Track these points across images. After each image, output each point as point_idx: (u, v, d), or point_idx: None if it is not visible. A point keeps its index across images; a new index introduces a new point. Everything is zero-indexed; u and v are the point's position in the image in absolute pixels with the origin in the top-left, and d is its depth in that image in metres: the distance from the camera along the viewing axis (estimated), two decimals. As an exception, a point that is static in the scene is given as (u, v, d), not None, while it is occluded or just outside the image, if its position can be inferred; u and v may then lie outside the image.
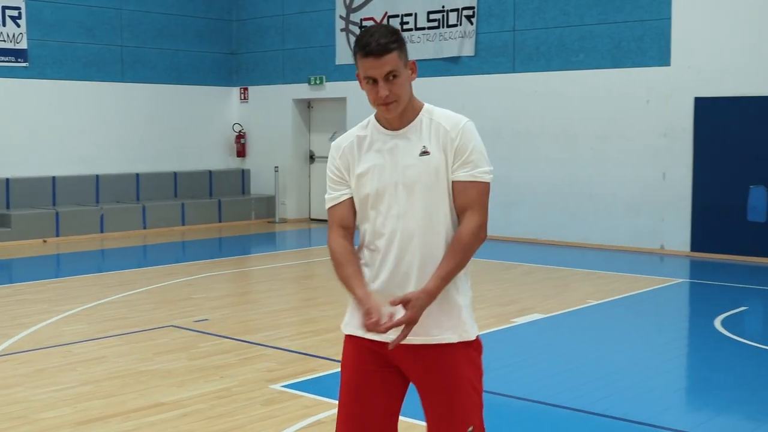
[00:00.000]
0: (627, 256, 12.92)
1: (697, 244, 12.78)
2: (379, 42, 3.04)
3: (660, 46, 12.95)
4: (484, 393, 3.24)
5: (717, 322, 8.35)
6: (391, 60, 3.05)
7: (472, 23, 14.71)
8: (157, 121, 17.07)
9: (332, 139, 16.76)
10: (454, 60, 15.06)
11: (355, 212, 3.24)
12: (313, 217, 17.96)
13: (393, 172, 3.15)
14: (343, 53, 16.34)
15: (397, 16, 15.62)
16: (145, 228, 15.93)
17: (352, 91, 16.06)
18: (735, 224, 12.43)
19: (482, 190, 3.13)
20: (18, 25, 15.19)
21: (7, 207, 14.96)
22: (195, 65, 17.74)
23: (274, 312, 9.08)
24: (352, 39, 15.60)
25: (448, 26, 15.00)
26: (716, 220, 12.60)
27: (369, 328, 2.97)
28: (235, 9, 18.36)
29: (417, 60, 13.53)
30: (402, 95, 3.10)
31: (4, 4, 14.95)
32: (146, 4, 16.91)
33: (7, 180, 15.00)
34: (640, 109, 13.18)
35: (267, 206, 17.83)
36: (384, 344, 3.10)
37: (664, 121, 12.97)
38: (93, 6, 16.16)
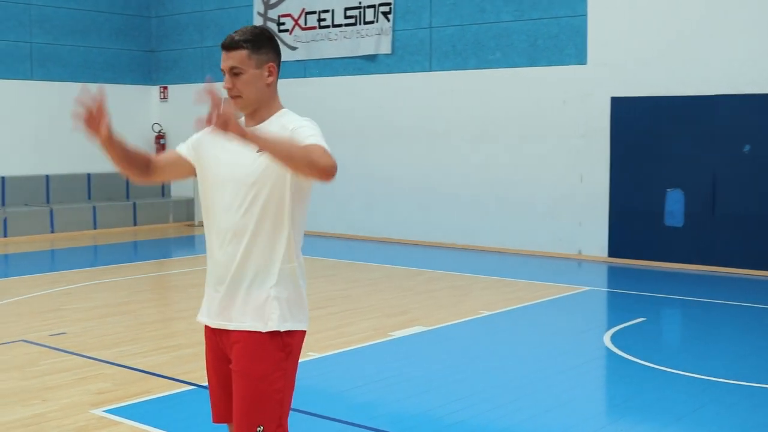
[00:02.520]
0: (544, 262, 12.48)
1: (614, 250, 12.36)
2: (233, 38, 3.21)
3: (576, 44, 12.52)
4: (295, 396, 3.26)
5: (607, 336, 7.90)
6: (236, 56, 3.18)
7: (389, 20, 14.31)
8: (70, 121, 16.33)
9: None
10: (371, 58, 14.65)
11: (177, 163, 3.40)
12: None
13: (234, 167, 3.22)
14: None
15: (314, 12, 15.20)
16: (53, 232, 15.33)
17: None
18: (653, 229, 12.01)
19: (322, 149, 3.04)
20: None
21: None
22: (111, 63, 17.13)
23: (140, 325, 8.51)
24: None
25: (365, 23, 14.60)
26: (634, 224, 12.19)
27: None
28: (153, 5, 17.76)
29: (334, 58, 13.34)
30: (246, 93, 3.20)
31: None
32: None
33: None
34: (557, 109, 12.76)
35: (186, 209, 17.28)
36: (218, 332, 3.28)
37: (582, 121, 12.56)
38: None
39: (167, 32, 17.57)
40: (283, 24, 15.57)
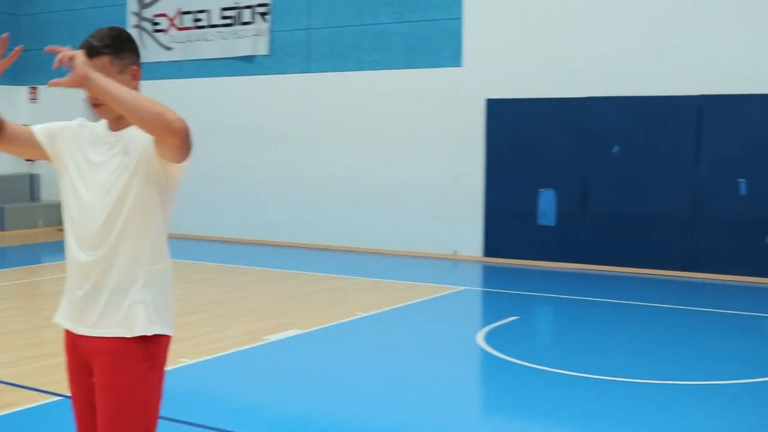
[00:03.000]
0: (421, 262, 12.59)
1: (489, 249, 12.56)
2: (92, 44, 3.05)
3: (451, 47, 12.67)
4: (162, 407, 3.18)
5: (480, 334, 8.01)
6: (98, 64, 3.02)
7: (266, 21, 14.18)
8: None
9: None
10: (248, 59, 14.51)
11: (28, 140, 3.20)
12: None
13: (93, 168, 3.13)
14: None
15: (190, 12, 14.96)
16: None
17: (144, 91, 14.89)
18: (526, 229, 12.26)
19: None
20: None
21: None
22: None
23: (9, 333, 8.21)
24: (146, 36, 15.06)
25: (242, 24, 14.44)
26: (508, 224, 12.41)
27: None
28: (23, 3, 17.19)
29: (210, 59, 13.05)
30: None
31: None
32: None
33: None
34: (433, 111, 12.90)
35: (58, 213, 16.65)
36: (79, 338, 3.15)
37: (457, 123, 12.72)
38: None
39: (37, 31, 17.01)
40: (158, 24, 15.31)
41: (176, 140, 2.86)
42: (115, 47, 3.06)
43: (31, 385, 6.39)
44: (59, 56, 2.77)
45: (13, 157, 15.93)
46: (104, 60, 3.03)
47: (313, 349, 7.72)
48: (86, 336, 3.12)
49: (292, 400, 6.13)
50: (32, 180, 17.16)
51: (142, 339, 3.09)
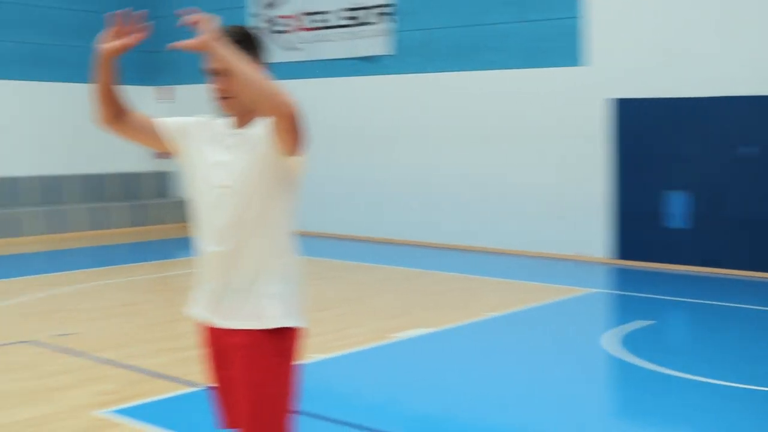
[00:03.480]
0: (544, 263, 12.39)
1: (616, 251, 12.30)
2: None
3: (573, 46, 12.45)
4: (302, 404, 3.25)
5: (613, 338, 7.82)
6: None
7: (388, 21, 14.24)
8: (72, 122, 16.28)
9: None
10: (370, 59, 14.57)
11: (148, 130, 3.32)
12: None
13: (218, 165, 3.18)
14: None
15: (312, 13, 15.15)
16: (64, 232, 15.36)
17: None
18: (655, 230, 11.95)
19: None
20: None
21: None
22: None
23: (149, 325, 8.50)
24: (267, 37, 15.25)
25: (365, 24, 14.53)
26: (635, 226, 12.12)
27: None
28: (151, 5, 17.69)
29: (333, 59, 13.40)
30: (241, 94, 3.06)
31: None
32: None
33: None
34: (557, 111, 12.69)
35: (184, 210, 17.17)
36: (216, 330, 3.23)
37: (579, 122, 12.46)
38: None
39: (168, 33, 17.44)
40: (281, 25, 15.55)
41: (286, 122, 2.91)
42: (246, 42, 3.13)
43: (169, 375, 6.58)
44: (187, 18, 2.85)
45: (148, 154, 17.22)
46: None
47: (441, 348, 7.70)
48: (220, 328, 3.21)
49: (423, 398, 6.13)
50: (165, 177, 17.77)
51: (274, 332, 3.15)
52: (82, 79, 15.96)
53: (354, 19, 14.59)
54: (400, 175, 14.37)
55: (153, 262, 13.10)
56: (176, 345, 7.57)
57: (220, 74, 3.11)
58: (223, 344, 3.22)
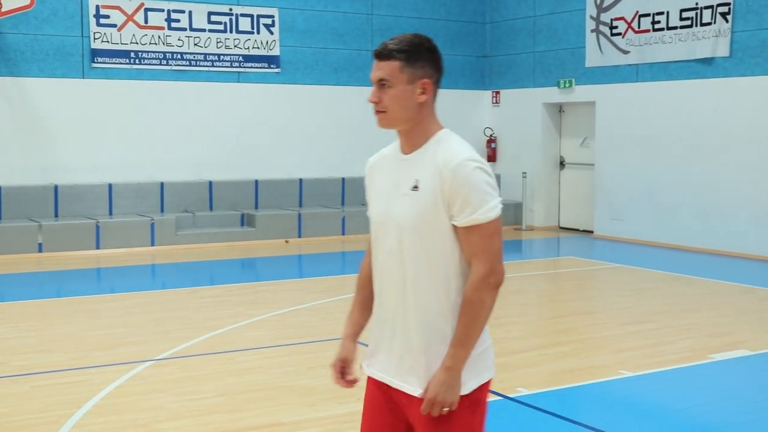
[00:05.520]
0: None
1: None
2: (387, 46, 2.91)
3: None
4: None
5: None
6: (387, 67, 2.89)
7: (727, 21, 13.58)
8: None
9: (583, 144, 16.36)
10: (707, 61, 13.96)
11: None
12: (562, 225, 17.24)
13: (389, 204, 2.97)
14: (594, 55, 15.76)
15: (648, 15, 14.79)
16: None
17: (602, 95, 15.52)
18: None
19: (486, 232, 2.82)
20: (271, 33, 15.72)
21: (255, 207, 15.55)
22: (446, 69, 15.56)
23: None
24: (603, 40, 15.27)
25: (702, 25, 13.97)
26: None
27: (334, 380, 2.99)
28: (488, 11, 18.04)
29: (668, 62, 13.28)
30: (392, 109, 2.90)
31: (258, 13, 15.58)
32: (397, 8, 16.99)
33: (256, 182, 15.60)
34: None
35: (514, 213, 17.25)
36: (391, 388, 3.01)
37: None
38: (346, 12, 16.46)
39: (501, 38, 17.77)
40: (616, 27, 15.29)
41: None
42: (410, 54, 2.88)
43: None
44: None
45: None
46: (394, 65, 2.88)
47: (762, 374, 7.21)
48: (401, 390, 2.97)
49: (742, 425, 5.84)
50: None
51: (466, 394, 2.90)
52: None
53: (690, 20, 14.17)
54: (730, 183, 13.65)
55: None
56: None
57: (375, 85, 2.93)
58: (400, 402, 2.99)
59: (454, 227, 2.85)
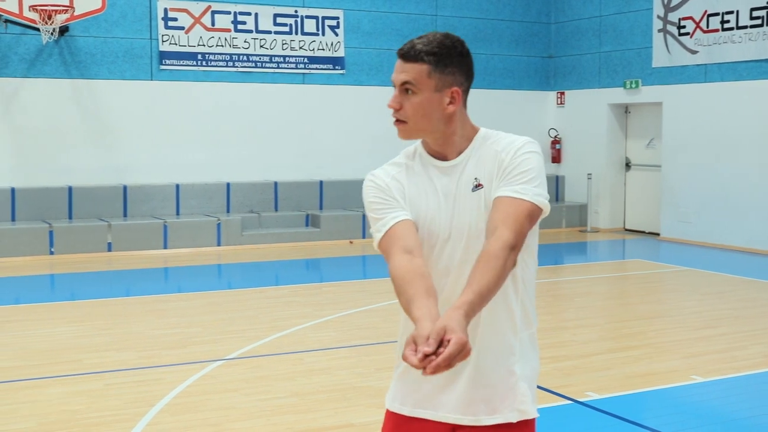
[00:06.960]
0: None
1: None
2: (414, 46, 2.55)
3: None
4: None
5: None
6: (413, 70, 2.54)
7: None
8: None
9: (649, 146, 16.19)
10: None
11: (415, 232, 2.59)
12: (627, 227, 17.02)
13: (449, 214, 2.61)
14: (661, 55, 15.54)
15: (717, 14, 14.55)
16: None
17: (669, 96, 15.30)
18: None
19: (525, 211, 2.47)
20: (336, 34, 15.83)
21: (320, 208, 15.66)
22: (510, 69, 17.43)
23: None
24: (670, 40, 15.08)
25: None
26: None
27: (404, 357, 2.17)
28: (553, 12, 17.92)
29: (738, 62, 13.18)
30: (414, 120, 2.58)
31: (324, 15, 15.68)
32: (462, 9, 16.96)
33: (321, 182, 15.71)
34: None
35: (579, 214, 17.18)
36: (431, 424, 2.63)
37: None
38: (410, 13, 16.49)
39: (566, 38, 17.65)
40: (684, 27, 15.09)
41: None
42: (441, 57, 2.53)
43: (546, 386, 6.50)
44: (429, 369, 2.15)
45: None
46: (421, 68, 2.54)
47: None
48: (455, 424, 2.62)
49: None
50: (557, 181, 17.79)
51: (525, 423, 2.63)
52: (479, 85, 15.70)
53: (760, 19, 13.87)
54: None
55: (541, 266, 12.80)
56: (556, 354, 7.58)
57: (398, 89, 2.60)
58: None
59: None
